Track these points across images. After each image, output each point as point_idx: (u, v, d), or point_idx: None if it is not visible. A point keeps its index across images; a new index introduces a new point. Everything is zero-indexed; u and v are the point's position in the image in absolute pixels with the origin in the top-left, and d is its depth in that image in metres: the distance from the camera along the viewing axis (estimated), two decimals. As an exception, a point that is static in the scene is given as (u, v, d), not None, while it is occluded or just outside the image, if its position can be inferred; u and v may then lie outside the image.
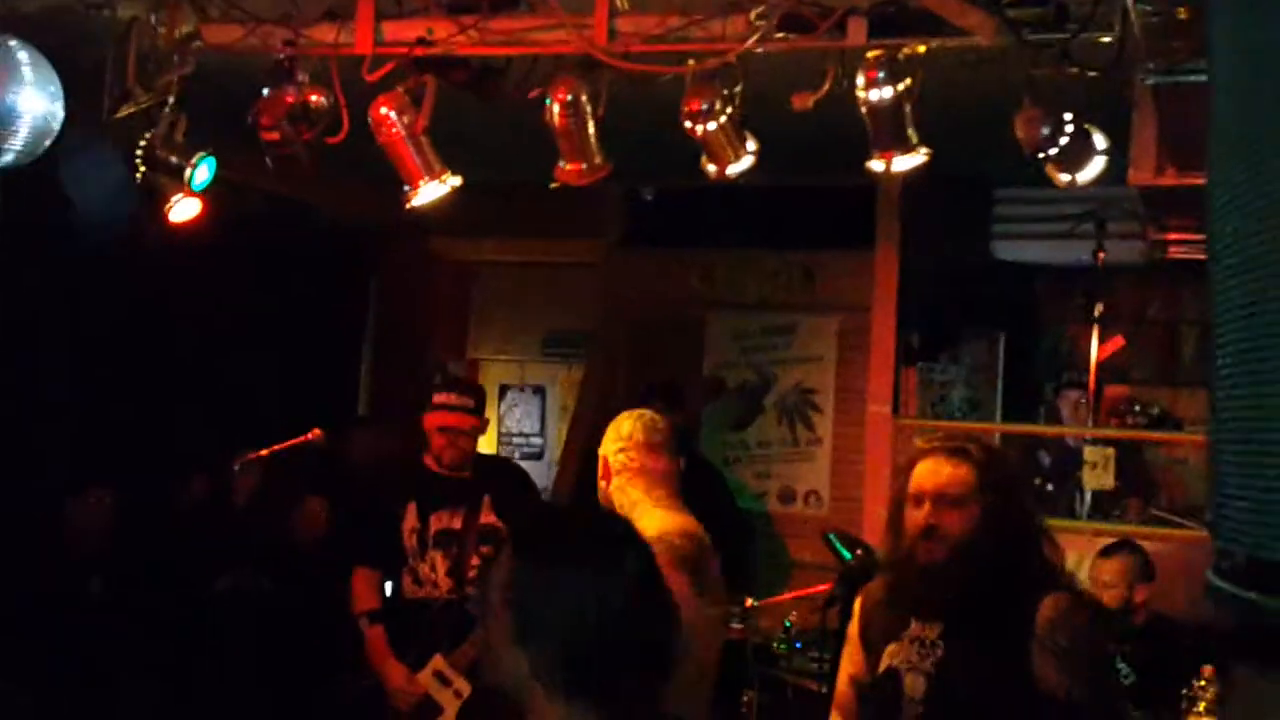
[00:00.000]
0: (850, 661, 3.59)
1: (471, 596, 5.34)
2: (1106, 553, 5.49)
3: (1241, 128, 1.07)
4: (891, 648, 3.41)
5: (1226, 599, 1.02)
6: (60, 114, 4.45)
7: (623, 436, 3.91)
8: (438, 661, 5.35)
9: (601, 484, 3.91)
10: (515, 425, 9.64)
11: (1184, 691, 4.69)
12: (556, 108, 4.75)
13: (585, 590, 2.01)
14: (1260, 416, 0.98)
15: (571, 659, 2.00)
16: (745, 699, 6.21)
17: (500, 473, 5.82)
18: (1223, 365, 1.08)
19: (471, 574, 5.40)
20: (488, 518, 5.47)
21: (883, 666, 3.42)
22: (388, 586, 5.60)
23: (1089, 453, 7.22)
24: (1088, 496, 7.18)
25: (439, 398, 5.52)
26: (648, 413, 4.03)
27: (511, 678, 2.04)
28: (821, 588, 6.33)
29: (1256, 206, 1.03)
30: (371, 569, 5.52)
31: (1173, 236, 7.42)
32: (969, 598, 3.28)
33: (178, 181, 5.20)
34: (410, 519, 5.46)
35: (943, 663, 3.31)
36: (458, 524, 5.46)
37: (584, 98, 4.75)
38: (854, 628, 3.60)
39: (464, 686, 5.33)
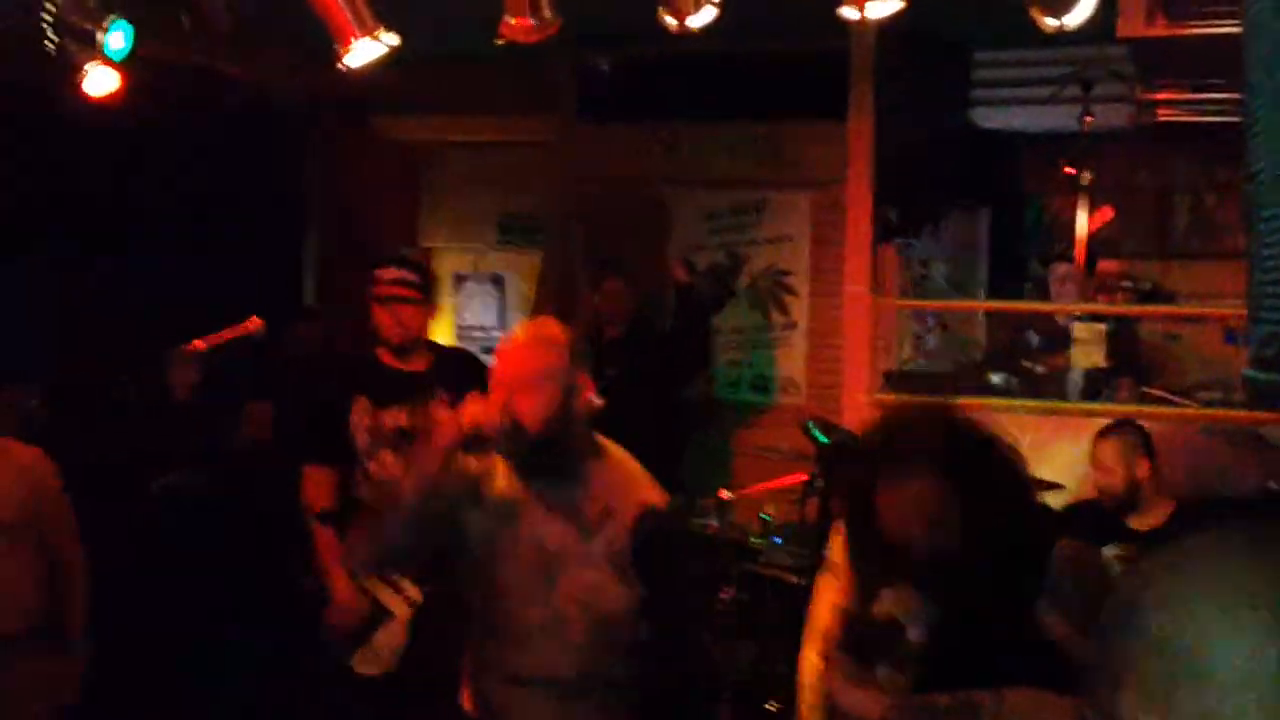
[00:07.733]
0: (833, 589, 3.21)
1: None
2: (1105, 433, 5.22)
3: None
4: (888, 593, 2.95)
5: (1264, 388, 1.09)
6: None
7: None
8: None
9: None
10: (473, 317, 9.16)
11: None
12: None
13: None
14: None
15: None
16: (724, 595, 5.93)
17: (456, 365, 5.38)
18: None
19: None
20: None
21: (879, 612, 2.98)
22: None
23: (1078, 330, 6.92)
24: (1078, 376, 6.86)
25: (379, 272, 5.12)
26: None
27: None
28: (798, 477, 6.02)
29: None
30: (321, 466, 5.14)
31: (1162, 97, 7.04)
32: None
33: (90, 49, 4.86)
34: (360, 415, 5.08)
35: (947, 613, 2.88)
36: (405, 420, 5.07)
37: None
38: (838, 552, 3.21)
39: (415, 593, 4.98)
